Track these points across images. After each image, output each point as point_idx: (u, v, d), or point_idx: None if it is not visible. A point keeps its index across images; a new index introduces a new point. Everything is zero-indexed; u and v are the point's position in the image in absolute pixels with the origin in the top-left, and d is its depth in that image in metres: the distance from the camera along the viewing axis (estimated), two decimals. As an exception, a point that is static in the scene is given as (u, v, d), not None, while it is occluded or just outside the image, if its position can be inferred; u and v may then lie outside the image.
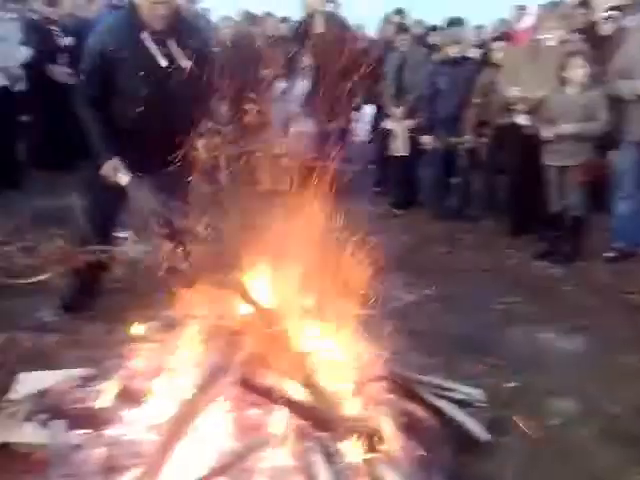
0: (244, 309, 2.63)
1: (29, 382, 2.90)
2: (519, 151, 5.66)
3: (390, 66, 6.73)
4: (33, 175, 7.02)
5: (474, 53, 6.95)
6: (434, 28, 8.09)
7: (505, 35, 6.98)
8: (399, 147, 6.64)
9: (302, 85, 7.04)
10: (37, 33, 7.07)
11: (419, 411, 2.66)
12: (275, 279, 2.71)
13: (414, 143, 6.61)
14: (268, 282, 2.71)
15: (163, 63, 3.48)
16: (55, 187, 6.26)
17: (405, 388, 2.74)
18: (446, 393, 2.92)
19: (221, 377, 2.40)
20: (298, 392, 2.48)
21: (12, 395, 2.83)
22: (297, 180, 2.87)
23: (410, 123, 6.58)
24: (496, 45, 6.39)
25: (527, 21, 7.09)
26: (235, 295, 2.61)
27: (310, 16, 7.40)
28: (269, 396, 2.46)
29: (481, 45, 7.43)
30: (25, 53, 6.74)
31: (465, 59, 6.45)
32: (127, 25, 3.50)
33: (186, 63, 3.45)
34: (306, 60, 6.90)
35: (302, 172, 2.93)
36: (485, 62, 6.39)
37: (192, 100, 3.33)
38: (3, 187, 6.39)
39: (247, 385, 2.47)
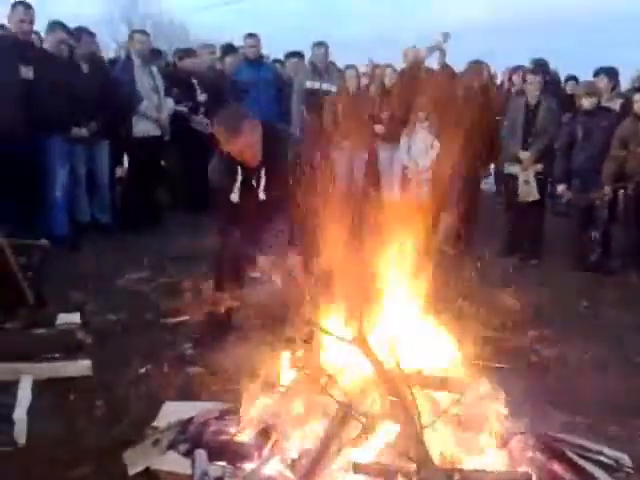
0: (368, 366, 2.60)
1: (174, 411, 3.03)
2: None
3: (515, 111, 6.59)
4: (174, 216, 7.43)
5: (613, 103, 6.72)
6: (573, 78, 7.93)
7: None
8: (529, 193, 6.44)
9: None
10: (179, 85, 7.55)
11: (564, 472, 2.51)
12: (406, 334, 2.68)
13: (545, 190, 6.43)
14: (397, 337, 2.67)
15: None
16: (194, 228, 6.61)
17: (550, 447, 2.61)
18: (592, 455, 2.74)
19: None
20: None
21: (157, 423, 2.97)
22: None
23: (539, 168, 6.40)
24: (637, 96, 6.13)
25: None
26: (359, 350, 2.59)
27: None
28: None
29: (622, 95, 7.15)
30: (171, 105, 7.23)
31: (603, 109, 6.26)
32: None
33: None
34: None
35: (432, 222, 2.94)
36: (625, 113, 6.15)
37: None
38: (147, 226, 6.81)
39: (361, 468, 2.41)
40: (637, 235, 6.03)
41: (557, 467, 2.55)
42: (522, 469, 2.42)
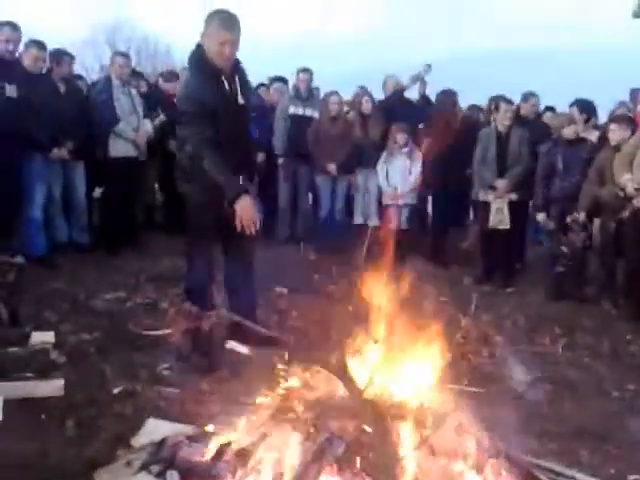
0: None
1: (155, 430, 3.00)
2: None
3: (487, 140, 6.69)
4: (152, 237, 7.41)
5: (589, 135, 6.85)
6: (551, 108, 8.09)
7: (617, 117, 6.81)
8: (501, 221, 6.51)
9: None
10: (162, 108, 7.53)
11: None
12: (381, 362, 2.68)
13: (519, 217, 6.51)
14: (373, 365, 2.67)
15: (241, 101, 4.01)
16: (172, 249, 6.59)
17: (524, 472, 2.61)
18: (564, 480, 2.76)
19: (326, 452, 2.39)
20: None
21: (137, 441, 2.94)
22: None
23: (513, 197, 6.50)
24: (611, 127, 6.27)
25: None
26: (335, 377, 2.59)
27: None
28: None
29: (599, 127, 7.28)
30: (149, 126, 7.21)
31: (582, 140, 6.40)
32: (209, 72, 3.87)
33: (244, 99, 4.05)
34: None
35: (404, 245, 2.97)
36: (602, 144, 6.28)
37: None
38: (124, 247, 6.78)
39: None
40: (611, 263, 6.12)
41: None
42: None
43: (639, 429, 3.54)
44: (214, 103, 3.82)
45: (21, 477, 2.80)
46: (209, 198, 3.92)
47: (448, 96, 7.51)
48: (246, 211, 3.69)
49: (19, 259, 4.57)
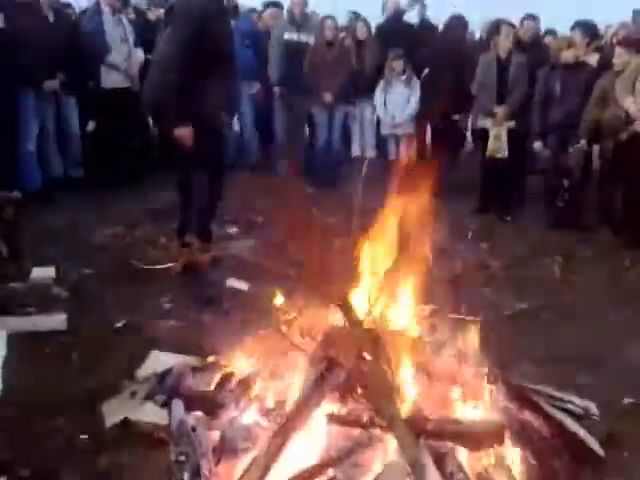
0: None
1: (158, 361, 3.05)
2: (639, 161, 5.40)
3: (487, 66, 6.54)
4: (147, 171, 7.32)
5: (590, 58, 6.69)
6: (552, 31, 7.86)
7: (625, 40, 6.65)
8: (499, 149, 6.42)
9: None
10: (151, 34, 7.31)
11: (534, 420, 2.58)
12: (381, 293, 2.69)
13: (518, 146, 6.44)
14: (372, 296, 2.68)
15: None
16: (168, 183, 6.52)
17: (521, 397, 2.67)
18: (561, 404, 2.82)
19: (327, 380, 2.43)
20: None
21: (141, 372, 2.99)
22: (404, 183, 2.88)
23: (512, 124, 6.39)
24: (617, 50, 6.11)
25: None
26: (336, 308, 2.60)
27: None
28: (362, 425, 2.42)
29: (600, 49, 7.11)
30: (141, 55, 7.01)
31: (581, 64, 6.24)
32: None
33: None
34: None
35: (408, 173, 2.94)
36: (605, 67, 6.13)
37: None
38: (120, 181, 6.70)
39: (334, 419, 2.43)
40: (610, 191, 6.09)
41: (528, 416, 2.62)
42: (495, 418, 2.47)
43: (636, 354, 3.61)
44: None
45: (27, 410, 2.86)
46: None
47: (458, 21, 7.28)
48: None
49: (16, 194, 4.54)
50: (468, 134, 7.70)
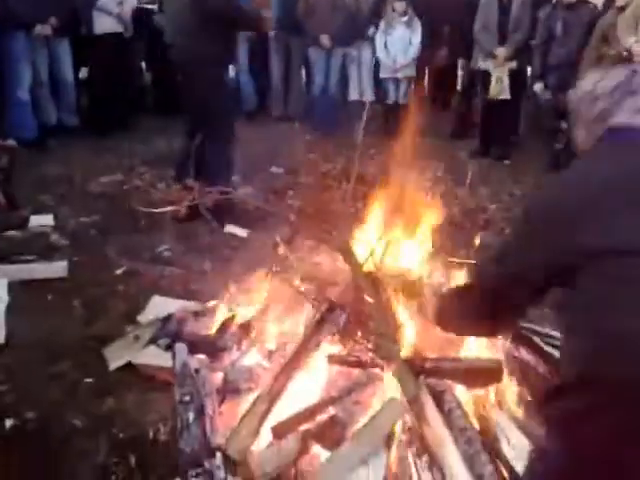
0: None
1: (161, 305, 3.08)
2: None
3: (488, 6, 6.39)
4: (142, 118, 7.24)
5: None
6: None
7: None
8: (501, 90, 6.34)
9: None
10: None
11: (532, 358, 2.62)
12: (381, 237, 2.69)
13: (517, 88, 6.36)
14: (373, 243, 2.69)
15: None
16: (163, 130, 6.49)
17: (519, 335, 2.70)
18: (557, 342, 2.85)
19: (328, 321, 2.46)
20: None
21: (144, 316, 3.02)
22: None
23: (513, 65, 6.29)
24: (621, -13, 5.97)
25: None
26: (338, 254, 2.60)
27: None
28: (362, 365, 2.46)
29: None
30: (134, 0, 6.86)
31: (582, 3, 6.11)
32: None
33: None
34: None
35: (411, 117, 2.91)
36: (608, 6, 6.00)
37: None
38: (115, 129, 6.65)
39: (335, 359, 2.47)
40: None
41: (525, 354, 2.66)
42: (493, 357, 2.51)
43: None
44: None
45: (32, 355, 2.90)
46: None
47: None
48: None
49: (11, 142, 4.49)
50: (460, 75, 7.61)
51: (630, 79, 1.53)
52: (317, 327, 2.47)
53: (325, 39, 7.09)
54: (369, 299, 2.43)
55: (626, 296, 1.28)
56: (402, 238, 2.74)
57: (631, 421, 1.24)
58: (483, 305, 1.59)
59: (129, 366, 2.78)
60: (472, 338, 2.49)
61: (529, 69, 6.60)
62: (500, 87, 6.31)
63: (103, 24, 6.48)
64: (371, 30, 7.33)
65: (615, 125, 1.50)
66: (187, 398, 2.37)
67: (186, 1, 4.05)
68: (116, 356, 2.81)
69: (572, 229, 1.33)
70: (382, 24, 7.03)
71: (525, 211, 1.50)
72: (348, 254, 2.49)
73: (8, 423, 2.48)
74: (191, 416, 2.31)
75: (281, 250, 2.83)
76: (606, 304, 1.29)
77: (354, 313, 2.45)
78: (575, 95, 1.63)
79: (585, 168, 1.48)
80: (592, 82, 1.58)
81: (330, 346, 2.50)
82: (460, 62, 7.22)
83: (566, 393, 1.35)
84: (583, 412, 1.30)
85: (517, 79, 6.41)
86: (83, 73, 6.92)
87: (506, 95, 6.31)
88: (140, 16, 6.99)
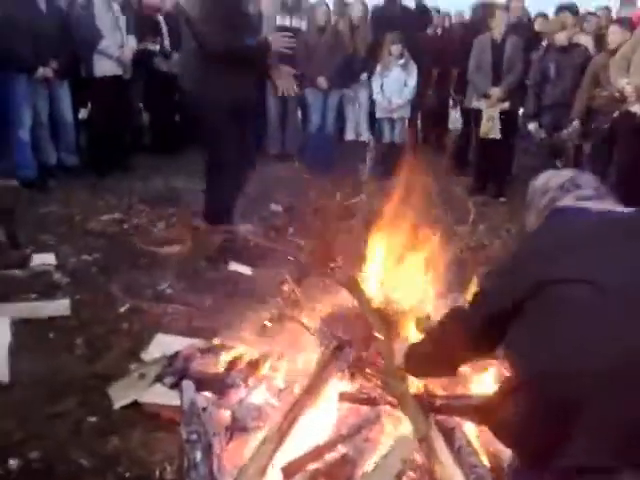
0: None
1: (165, 343, 3.07)
2: (632, 141, 5.44)
3: (482, 48, 6.55)
4: (141, 158, 7.30)
5: (585, 40, 6.72)
6: (543, 15, 7.90)
7: (619, 20, 6.69)
8: (491, 130, 6.46)
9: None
10: (143, 23, 7.28)
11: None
12: (387, 276, 2.72)
13: (510, 127, 6.46)
14: (380, 280, 2.72)
15: None
16: (161, 170, 6.53)
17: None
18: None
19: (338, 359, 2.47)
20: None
21: (148, 354, 3.01)
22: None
23: (506, 106, 6.42)
24: (612, 29, 6.14)
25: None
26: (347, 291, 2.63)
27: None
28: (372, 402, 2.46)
29: (596, 30, 7.13)
30: (133, 43, 6.96)
31: (574, 45, 6.29)
32: None
33: None
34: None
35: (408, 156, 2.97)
36: (599, 49, 6.18)
37: None
38: (113, 168, 6.69)
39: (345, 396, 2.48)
40: (603, 171, 6.13)
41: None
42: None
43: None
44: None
45: (35, 394, 2.87)
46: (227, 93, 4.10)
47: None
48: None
49: (13, 182, 4.52)
50: (454, 114, 7.75)
51: (577, 176, 1.89)
52: (326, 365, 2.47)
53: (323, 82, 7.22)
54: (378, 335, 2.44)
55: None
56: (408, 274, 2.76)
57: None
58: (460, 345, 1.83)
59: (133, 404, 2.75)
60: (482, 374, 2.50)
61: (521, 110, 6.75)
62: (491, 126, 6.43)
63: (103, 67, 6.57)
64: (364, 75, 7.49)
65: (560, 207, 1.82)
66: (194, 437, 2.35)
67: (191, 48, 4.13)
68: (121, 394, 2.79)
69: (540, 265, 1.63)
70: (379, 67, 7.18)
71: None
72: (357, 290, 2.51)
73: (13, 463, 2.44)
74: (198, 455, 2.29)
75: (289, 287, 2.84)
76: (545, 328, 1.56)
77: (363, 350, 2.45)
78: (532, 188, 1.98)
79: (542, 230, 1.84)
80: (545, 178, 1.95)
81: (339, 383, 2.50)
82: (451, 101, 7.39)
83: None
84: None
85: (509, 119, 6.54)
86: (83, 114, 7.00)
87: (496, 134, 6.42)
88: (141, 58, 7.10)
